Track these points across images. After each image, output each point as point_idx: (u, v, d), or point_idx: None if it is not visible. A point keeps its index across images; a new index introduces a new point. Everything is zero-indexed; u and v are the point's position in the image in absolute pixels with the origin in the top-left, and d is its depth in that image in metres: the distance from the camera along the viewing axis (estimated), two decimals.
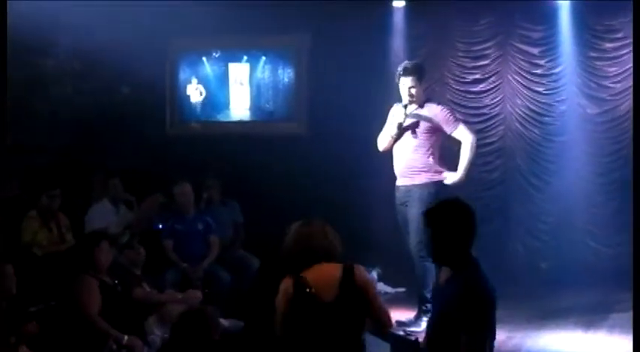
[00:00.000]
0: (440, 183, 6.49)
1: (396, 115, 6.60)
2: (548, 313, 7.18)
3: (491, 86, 9.20)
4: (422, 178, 6.51)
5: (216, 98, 10.04)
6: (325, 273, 3.88)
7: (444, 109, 6.67)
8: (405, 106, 6.52)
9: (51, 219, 7.40)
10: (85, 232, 7.40)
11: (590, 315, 7.06)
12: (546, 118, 9.06)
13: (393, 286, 8.26)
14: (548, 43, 8.97)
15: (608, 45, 8.77)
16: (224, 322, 5.81)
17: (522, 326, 6.66)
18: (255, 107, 9.95)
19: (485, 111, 9.22)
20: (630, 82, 8.35)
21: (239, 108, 9.97)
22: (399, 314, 6.60)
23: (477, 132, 7.17)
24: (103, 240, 5.77)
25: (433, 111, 6.58)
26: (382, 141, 6.69)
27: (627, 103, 8.56)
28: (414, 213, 6.36)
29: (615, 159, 8.74)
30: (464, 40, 9.24)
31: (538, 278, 8.74)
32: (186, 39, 9.88)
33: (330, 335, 3.81)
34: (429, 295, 6.23)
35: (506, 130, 9.18)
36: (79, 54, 9.33)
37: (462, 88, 9.26)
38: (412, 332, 5.48)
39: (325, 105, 9.11)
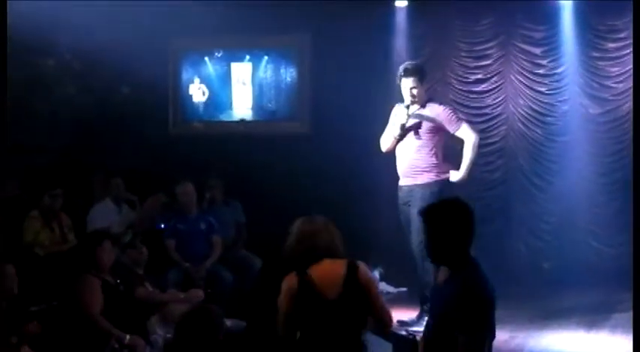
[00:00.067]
0: (442, 182, 6.49)
1: (399, 116, 6.60)
2: (551, 313, 7.19)
3: (494, 86, 9.20)
4: (424, 178, 6.51)
5: (219, 98, 10.03)
6: (329, 270, 3.87)
7: (447, 109, 6.67)
8: (407, 107, 6.52)
9: (53, 219, 7.41)
10: (87, 232, 7.40)
11: (593, 315, 7.07)
12: (548, 118, 9.06)
13: (395, 286, 8.27)
14: (551, 43, 8.96)
15: (611, 45, 8.76)
16: (226, 322, 5.80)
17: (525, 326, 6.67)
18: (257, 107, 9.94)
19: (487, 111, 9.21)
20: None
21: (241, 107, 9.97)
22: (401, 314, 6.61)
23: (479, 132, 7.17)
24: (105, 240, 5.75)
25: (435, 110, 6.58)
26: (385, 142, 6.69)
27: (629, 103, 8.52)
28: (416, 213, 6.35)
29: (617, 159, 8.73)
30: (466, 40, 9.23)
31: (540, 278, 8.74)
32: (188, 39, 9.87)
33: (333, 332, 3.81)
34: None
35: (509, 130, 9.18)
36: (79, 54, 9.32)
37: (464, 88, 9.25)
38: (414, 331, 5.47)
39: (328, 105, 9.09)
